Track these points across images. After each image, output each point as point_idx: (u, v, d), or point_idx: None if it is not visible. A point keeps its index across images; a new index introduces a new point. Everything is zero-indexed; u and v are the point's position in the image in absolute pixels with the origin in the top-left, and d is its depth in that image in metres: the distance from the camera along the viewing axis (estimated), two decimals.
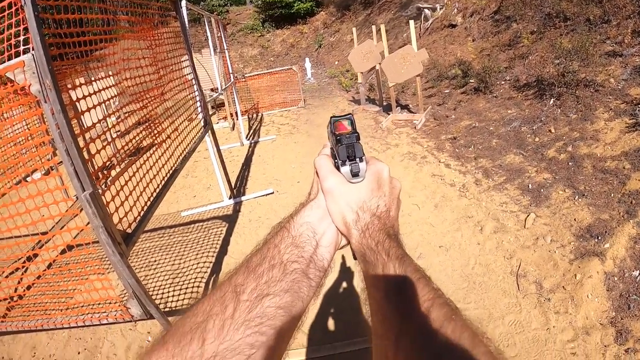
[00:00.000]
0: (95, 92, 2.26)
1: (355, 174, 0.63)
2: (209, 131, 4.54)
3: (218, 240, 4.44)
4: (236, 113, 8.29)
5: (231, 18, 20.83)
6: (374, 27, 8.78)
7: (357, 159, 0.64)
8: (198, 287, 3.61)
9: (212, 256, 4.11)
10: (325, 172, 0.65)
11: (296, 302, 0.54)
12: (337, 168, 0.65)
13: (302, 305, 0.56)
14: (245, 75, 10.90)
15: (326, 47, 17.24)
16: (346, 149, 0.64)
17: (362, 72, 8.78)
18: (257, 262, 0.56)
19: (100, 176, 2.01)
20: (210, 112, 6.46)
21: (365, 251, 0.58)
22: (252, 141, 8.15)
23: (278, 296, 0.52)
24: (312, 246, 0.60)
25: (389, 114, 7.96)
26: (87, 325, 2.16)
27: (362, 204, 0.62)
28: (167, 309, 3.33)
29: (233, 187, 5.51)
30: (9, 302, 3.07)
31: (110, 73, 2.68)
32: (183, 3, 4.40)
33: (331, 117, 0.70)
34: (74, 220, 4.80)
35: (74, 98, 2.11)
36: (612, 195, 3.73)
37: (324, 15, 19.29)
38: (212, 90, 8.60)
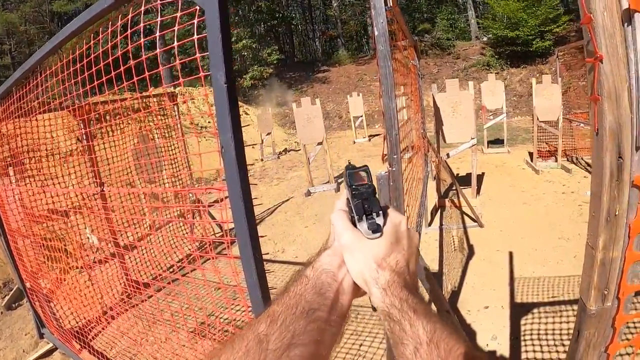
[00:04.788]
0: None
1: (373, 230, 0.61)
2: None
3: None
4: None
5: (459, 52, 20.65)
6: None
7: (374, 214, 0.62)
8: None
9: None
10: (341, 228, 0.64)
11: (321, 349, 0.54)
12: (354, 223, 0.64)
13: (326, 353, 0.56)
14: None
15: (575, 90, 15.41)
16: (362, 203, 0.63)
17: None
18: (280, 310, 0.56)
19: None
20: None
21: (389, 310, 0.56)
22: None
23: (303, 345, 0.52)
24: (333, 292, 0.59)
25: None
26: None
27: (380, 261, 0.60)
28: None
29: None
30: None
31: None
32: None
33: (346, 169, 0.68)
34: None
35: None
36: None
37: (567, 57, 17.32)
38: None
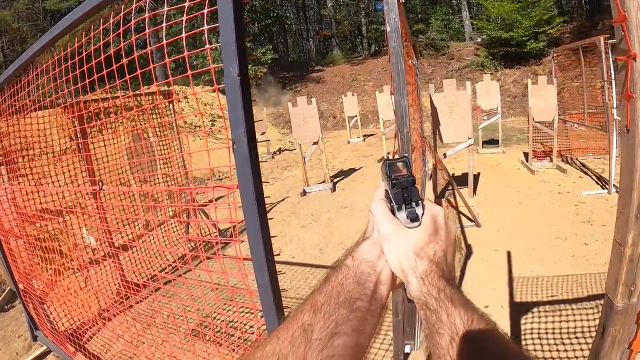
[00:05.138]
0: None
1: (412, 219, 0.62)
2: None
3: None
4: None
5: (453, 53, 20.70)
6: None
7: (414, 204, 0.63)
8: None
9: None
10: (381, 217, 0.64)
11: (362, 339, 0.55)
12: (393, 212, 0.64)
13: (367, 342, 0.56)
14: None
15: (569, 90, 15.49)
16: (402, 193, 0.63)
17: None
18: (323, 300, 0.57)
19: None
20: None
21: (426, 299, 0.57)
22: None
23: (346, 334, 0.53)
24: (373, 283, 0.60)
25: None
26: None
27: (419, 250, 0.61)
28: None
29: None
30: None
31: None
32: None
33: (385, 159, 0.69)
34: None
35: None
36: None
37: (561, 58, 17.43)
38: None
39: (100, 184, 2.10)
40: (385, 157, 0.63)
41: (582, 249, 4.16)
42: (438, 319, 0.54)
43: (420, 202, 0.63)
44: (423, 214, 0.63)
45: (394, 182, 0.65)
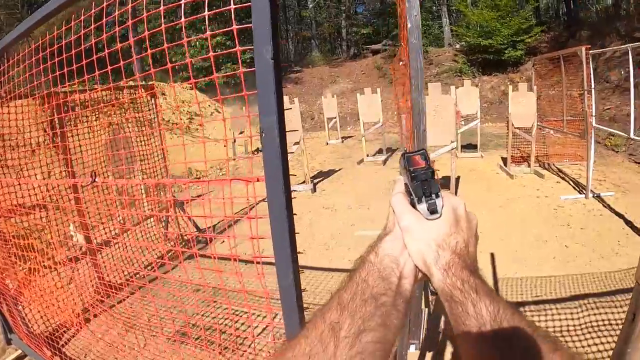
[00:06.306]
0: None
1: (432, 211, 0.62)
2: None
3: None
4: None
5: (432, 58, 20.97)
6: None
7: (434, 195, 0.62)
8: None
9: None
10: (401, 210, 0.64)
11: (389, 334, 0.55)
12: (413, 205, 0.64)
13: (394, 337, 0.56)
14: None
15: (546, 99, 15.94)
16: (422, 185, 0.63)
17: None
18: (349, 297, 0.56)
19: None
20: None
21: (451, 291, 0.56)
22: None
23: (374, 331, 0.53)
24: (397, 277, 0.60)
25: None
26: None
27: (441, 242, 0.60)
28: None
29: None
30: None
31: None
32: None
33: (404, 153, 0.69)
34: None
35: None
36: None
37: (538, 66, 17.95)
38: None
39: (93, 175, 2.01)
40: (404, 151, 0.63)
41: (563, 251, 4.27)
42: (464, 310, 0.54)
43: (439, 194, 0.63)
44: (443, 205, 0.63)
45: (413, 174, 0.64)
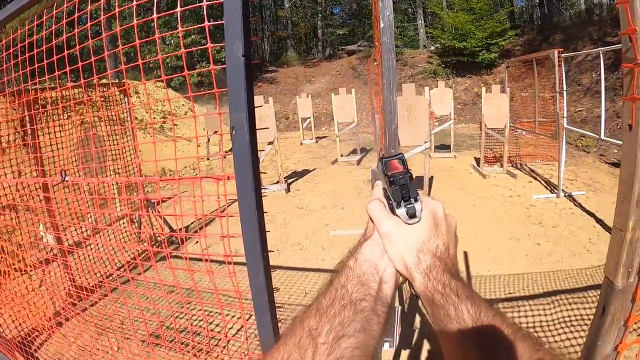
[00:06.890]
0: None
1: (411, 215, 0.62)
2: None
3: None
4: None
5: (406, 60, 21.21)
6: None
7: (412, 200, 0.62)
8: None
9: None
10: (379, 217, 0.64)
11: (369, 340, 0.55)
12: (392, 210, 0.64)
13: (374, 342, 0.56)
14: None
15: (518, 101, 16.34)
16: (400, 189, 0.63)
17: None
18: (328, 303, 0.56)
19: None
20: None
21: (432, 294, 0.57)
22: None
23: (353, 336, 0.53)
24: (377, 283, 0.60)
25: None
26: None
27: (421, 246, 0.61)
28: None
29: None
30: None
31: None
32: None
33: (381, 158, 0.68)
34: None
35: None
36: None
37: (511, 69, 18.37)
38: None
39: (63, 174, 1.93)
40: (381, 155, 0.63)
41: (535, 248, 4.38)
42: (446, 314, 0.54)
43: (418, 198, 0.63)
44: (422, 209, 0.63)
45: (391, 179, 0.64)
